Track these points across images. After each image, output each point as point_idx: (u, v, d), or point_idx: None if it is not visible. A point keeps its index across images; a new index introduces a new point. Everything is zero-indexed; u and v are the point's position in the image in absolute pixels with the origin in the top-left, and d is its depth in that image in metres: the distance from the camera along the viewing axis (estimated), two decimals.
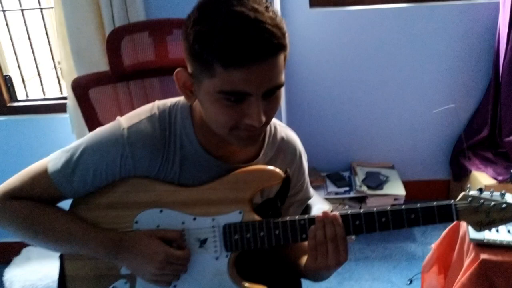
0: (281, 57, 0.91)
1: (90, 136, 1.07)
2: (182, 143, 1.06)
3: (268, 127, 1.14)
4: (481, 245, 1.65)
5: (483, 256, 1.61)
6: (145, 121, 1.05)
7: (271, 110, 0.96)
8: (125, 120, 1.06)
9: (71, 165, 1.04)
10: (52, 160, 1.06)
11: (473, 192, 1.04)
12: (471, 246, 1.68)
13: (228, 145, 1.05)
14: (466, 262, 1.69)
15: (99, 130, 1.08)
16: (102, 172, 1.04)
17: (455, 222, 1.84)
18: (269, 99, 0.93)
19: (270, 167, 1.08)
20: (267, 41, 0.86)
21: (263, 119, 0.93)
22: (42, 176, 1.05)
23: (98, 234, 1.06)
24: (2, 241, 2.54)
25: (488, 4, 2.44)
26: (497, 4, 2.39)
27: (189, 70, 0.96)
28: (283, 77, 0.93)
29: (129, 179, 1.07)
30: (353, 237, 2.59)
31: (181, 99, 1.08)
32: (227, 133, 0.97)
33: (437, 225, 2.59)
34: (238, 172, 1.08)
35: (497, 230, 1.67)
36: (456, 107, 2.62)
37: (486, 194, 1.04)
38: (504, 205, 1.01)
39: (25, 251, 2.46)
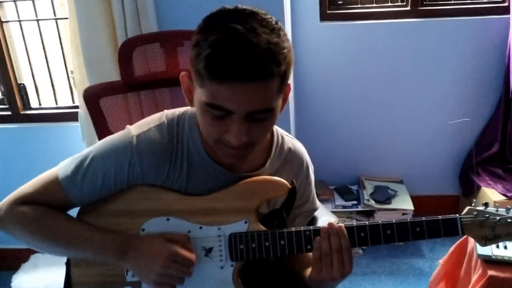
0: (272, 82, 0.89)
1: (100, 143, 1.09)
2: (189, 151, 1.08)
3: (275, 137, 1.15)
4: (489, 262, 1.64)
5: (491, 272, 1.60)
6: (153, 129, 1.07)
7: (258, 132, 0.96)
8: (134, 129, 1.08)
9: (81, 172, 1.05)
10: (63, 168, 1.08)
11: (478, 207, 1.05)
12: (479, 262, 1.67)
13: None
14: (474, 278, 1.68)
15: (108, 138, 1.10)
16: (110, 179, 1.06)
17: (463, 238, 1.84)
18: (255, 121, 0.93)
19: (277, 178, 1.09)
20: (254, 64, 0.85)
21: (244, 139, 0.93)
22: (53, 183, 1.06)
23: (106, 235, 1.07)
24: (11, 247, 2.57)
25: (499, 20, 2.45)
26: (508, 19, 2.40)
27: (192, 75, 0.98)
28: (273, 102, 0.92)
29: (137, 187, 1.08)
30: (360, 251, 2.58)
31: (189, 108, 1.10)
32: (214, 145, 0.99)
33: (445, 241, 2.57)
34: (244, 182, 1.09)
35: (505, 247, 1.66)
36: (467, 122, 2.61)
37: (491, 209, 1.04)
38: (509, 220, 1.02)
39: (33, 258, 2.48)
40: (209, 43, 0.86)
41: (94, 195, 1.08)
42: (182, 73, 1.00)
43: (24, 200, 1.06)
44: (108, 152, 1.06)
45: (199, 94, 0.93)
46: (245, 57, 0.85)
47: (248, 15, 0.89)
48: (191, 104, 1.02)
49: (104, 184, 1.06)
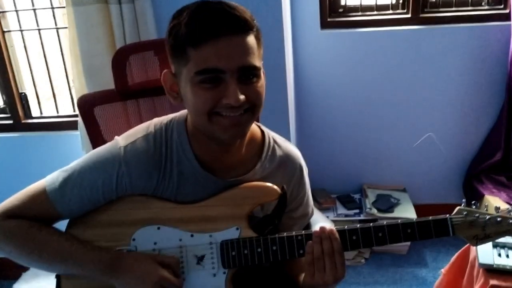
0: (250, 38, 0.95)
1: (88, 155, 1.09)
2: (179, 159, 1.07)
3: (266, 140, 1.14)
4: (491, 271, 1.62)
5: (493, 282, 1.58)
6: (141, 139, 1.07)
7: (252, 94, 0.97)
8: (122, 139, 1.08)
9: (69, 184, 1.05)
10: (50, 180, 1.07)
11: (468, 207, 1.05)
12: (481, 271, 1.65)
13: (223, 155, 1.05)
14: (476, 287, 1.66)
15: (97, 150, 1.10)
16: (98, 191, 1.05)
17: (465, 247, 1.82)
18: (247, 83, 0.95)
19: (267, 184, 1.08)
20: (231, 18, 0.92)
21: (241, 98, 0.94)
22: (40, 195, 1.05)
23: (94, 253, 1.05)
24: None
25: (500, 27, 2.42)
26: (509, 26, 2.38)
27: (172, 70, 1.01)
28: (257, 61, 0.96)
29: (126, 197, 1.07)
30: (363, 260, 2.55)
31: (177, 115, 1.10)
32: (208, 122, 0.97)
33: (448, 250, 2.52)
34: (235, 189, 1.08)
35: (507, 256, 1.64)
36: (470, 131, 2.59)
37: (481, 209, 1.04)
38: (499, 219, 1.01)
39: None
40: (185, 18, 0.93)
41: (83, 207, 1.07)
42: (163, 72, 1.03)
43: (10, 214, 1.05)
44: (96, 163, 1.06)
45: (186, 73, 0.95)
46: (222, 13, 0.92)
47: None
48: (176, 100, 1.04)
49: (92, 196, 1.05)
